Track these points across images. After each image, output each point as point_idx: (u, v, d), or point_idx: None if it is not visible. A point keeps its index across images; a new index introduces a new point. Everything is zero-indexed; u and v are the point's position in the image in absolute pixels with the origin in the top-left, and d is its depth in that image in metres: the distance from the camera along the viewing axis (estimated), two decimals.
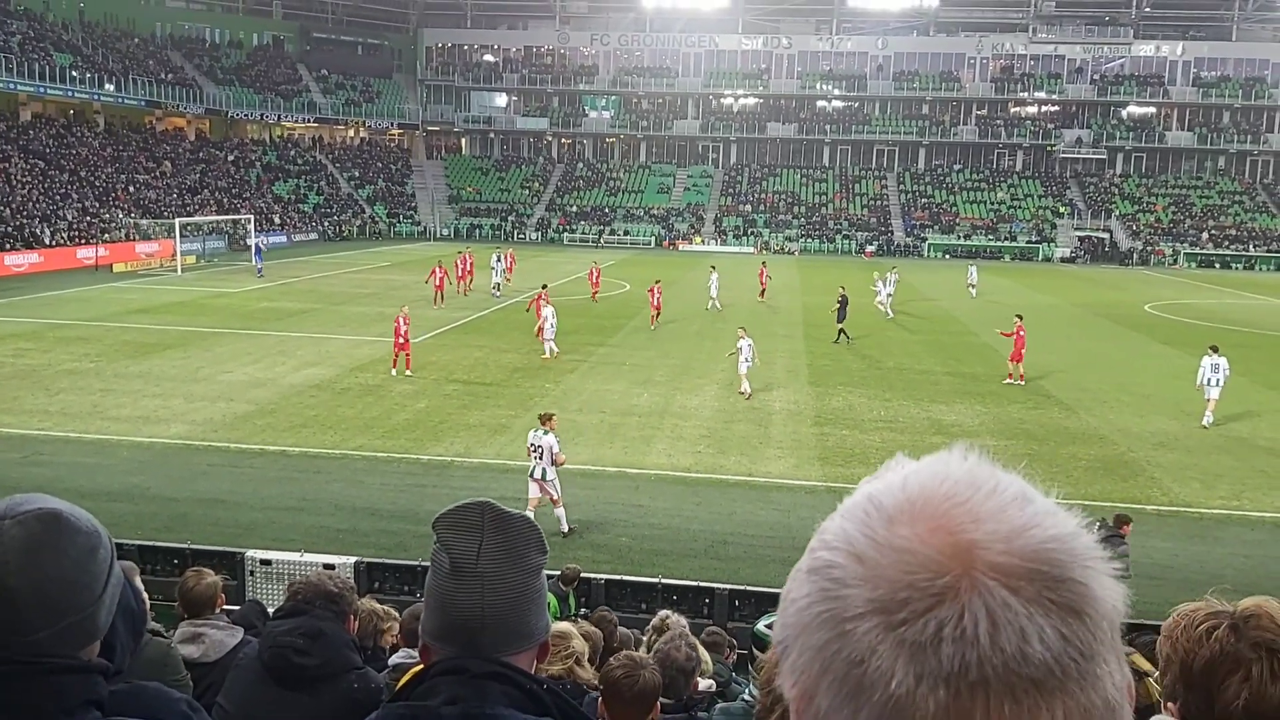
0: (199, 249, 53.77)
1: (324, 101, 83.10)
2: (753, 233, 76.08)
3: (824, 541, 0.77)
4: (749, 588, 11.09)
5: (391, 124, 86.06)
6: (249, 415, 19.56)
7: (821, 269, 57.60)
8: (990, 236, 74.59)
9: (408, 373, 23.66)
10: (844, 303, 30.64)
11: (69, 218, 50.39)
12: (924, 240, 74.03)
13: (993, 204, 78.32)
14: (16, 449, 16.98)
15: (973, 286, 44.64)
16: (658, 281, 33.51)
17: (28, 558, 1.45)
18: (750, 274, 44.45)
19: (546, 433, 13.94)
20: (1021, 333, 24.79)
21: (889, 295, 37.27)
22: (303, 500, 14.98)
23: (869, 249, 72.47)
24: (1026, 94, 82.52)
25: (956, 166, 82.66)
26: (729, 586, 11.10)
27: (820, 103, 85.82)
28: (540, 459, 13.95)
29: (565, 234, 76.14)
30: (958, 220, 76.37)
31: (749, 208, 79.81)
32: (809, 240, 74.96)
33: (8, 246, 44.60)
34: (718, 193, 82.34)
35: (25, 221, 47.22)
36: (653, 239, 75.51)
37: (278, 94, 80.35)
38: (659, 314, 32.38)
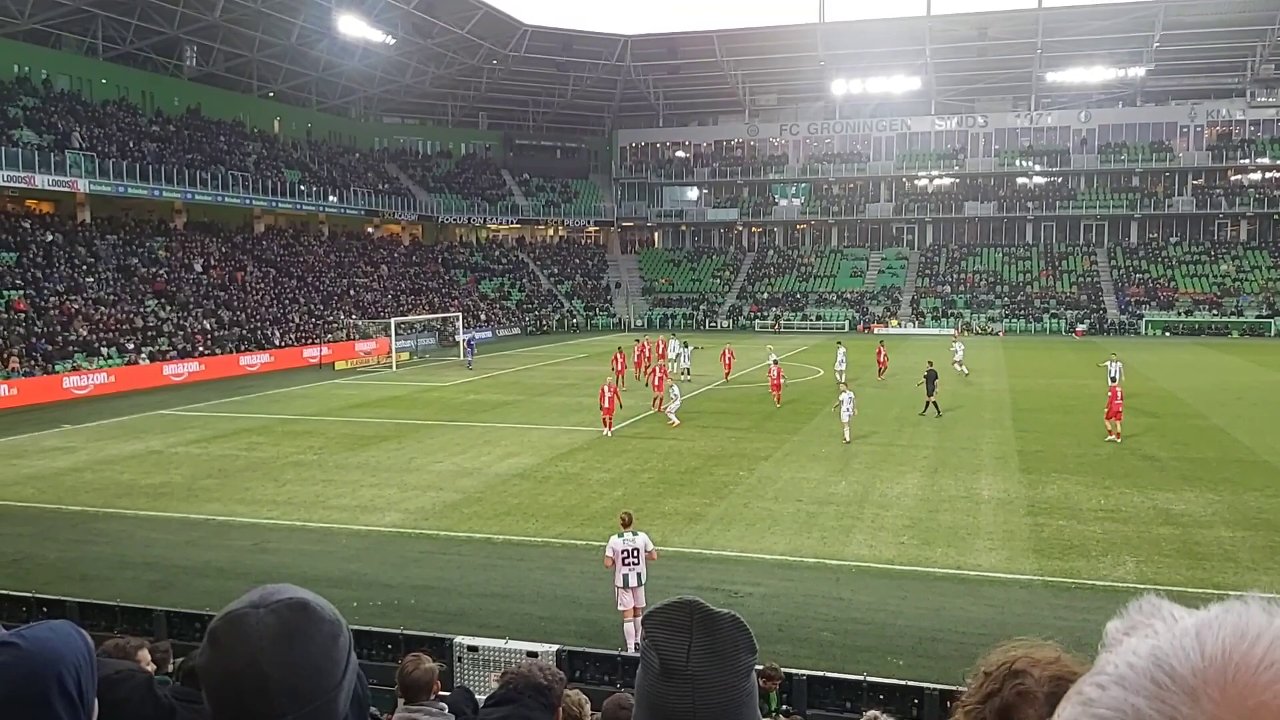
0: (412, 346, 57.00)
1: (526, 204, 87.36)
2: (952, 314, 74.08)
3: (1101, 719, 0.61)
4: (962, 688, 10.48)
5: (588, 222, 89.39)
6: (457, 504, 20.31)
7: (1028, 350, 55.25)
8: (1214, 312, 69.76)
9: (608, 433, 27.74)
10: (932, 375, 31.16)
11: (296, 320, 54.53)
12: (1140, 317, 70.04)
13: (1215, 277, 73.40)
14: (248, 537, 18.20)
15: (958, 364, 41.76)
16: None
17: (280, 644, 1.54)
18: (948, 355, 43.06)
19: (636, 533, 12.86)
20: (1113, 394, 26.89)
21: (1114, 379, 34.19)
22: (507, 587, 15.33)
23: (1080, 328, 69.12)
24: (1248, 160, 77.52)
25: (1173, 239, 78.22)
26: (940, 687, 10.54)
27: (1020, 179, 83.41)
28: (636, 563, 12.71)
29: (756, 320, 76.39)
30: (1177, 295, 71.92)
31: (947, 288, 77.89)
32: (1013, 320, 72.29)
33: (243, 348, 48.58)
34: (914, 274, 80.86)
35: (258, 325, 51.40)
36: (846, 323, 74.66)
37: (483, 198, 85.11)
38: (778, 392, 33.78)
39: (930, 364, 32.51)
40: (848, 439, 26.44)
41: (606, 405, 28.07)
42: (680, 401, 29.47)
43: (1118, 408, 26.71)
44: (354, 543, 17.79)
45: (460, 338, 51.61)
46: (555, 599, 14.82)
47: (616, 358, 39.41)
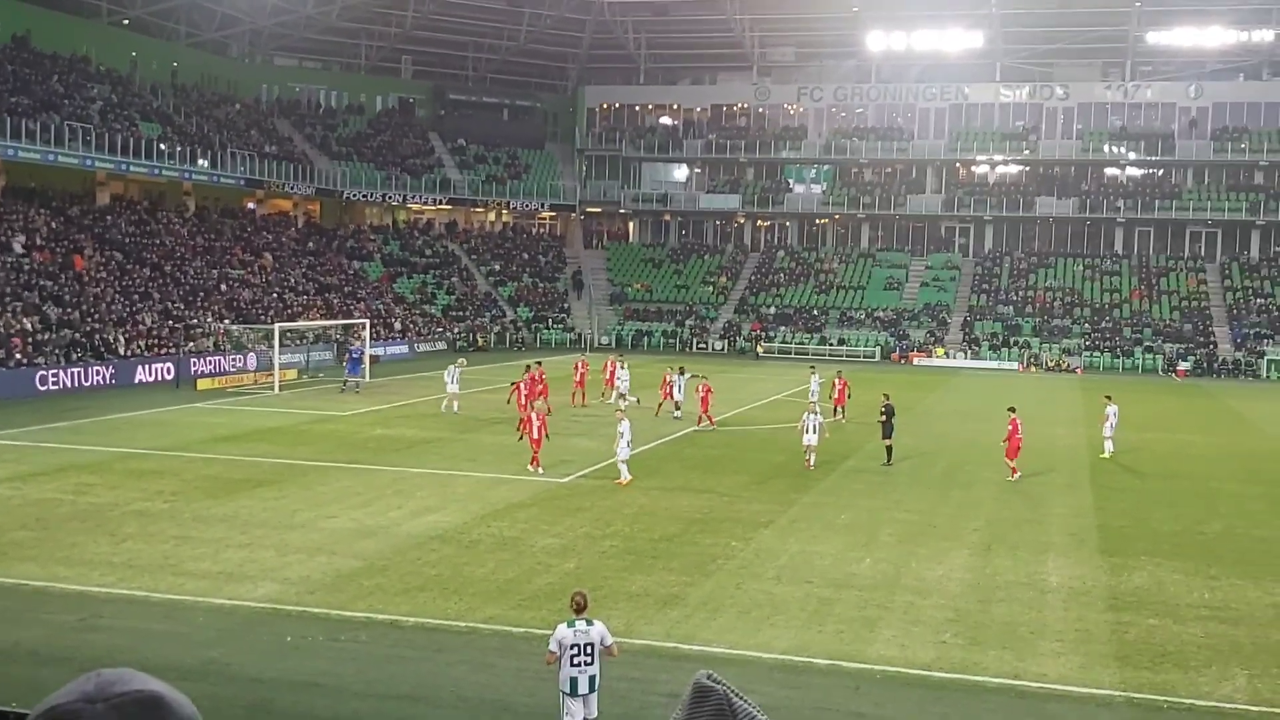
0: (301, 361, 56.73)
1: (460, 178, 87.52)
2: (1016, 343, 74.66)
3: None
4: None
5: (542, 205, 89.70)
6: (354, 574, 20.17)
7: (1114, 394, 55.56)
8: None
9: (536, 470, 29.64)
10: (889, 412, 32.60)
11: (148, 322, 54.19)
12: (1261, 355, 70.89)
13: None
14: (72, 609, 17.96)
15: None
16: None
17: None
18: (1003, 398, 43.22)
19: (591, 622, 12.59)
20: (1013, 427, 30.34)
21: (1112, 429, 35.33)
22: (418, 687, 15.22)
23: (1182, 366, 69.83)
24: None
25: None
26: None
27: (1110, 170, 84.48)
28: (589, 663, 12.49)
29: (760, 344, 76.66)
30: None
31: (1010, 310, 78.53)
32: (1096, 354, 72.94)
33: (75, 357, 48.16)
34: (967, 289, 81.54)
35: (96, 326, 51.02)
36: (877, 349, 75.08)
37: (404, 169, 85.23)
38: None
39: (886, 398, 33.45)
40: (809, 463, 31.19)
41: (535, 435, 29.89)
42: (630, 449, 28.95)
43: (1017, 443, 30.32)
44: (214, 621, 17.60)
45: (357, 351, 50.87)
46: (482, 704, 14.73)
47: (578, 366, 42.64)
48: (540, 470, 29.64)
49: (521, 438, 31.38)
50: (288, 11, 79.91)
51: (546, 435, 30.28)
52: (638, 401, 41.78)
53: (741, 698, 2.09)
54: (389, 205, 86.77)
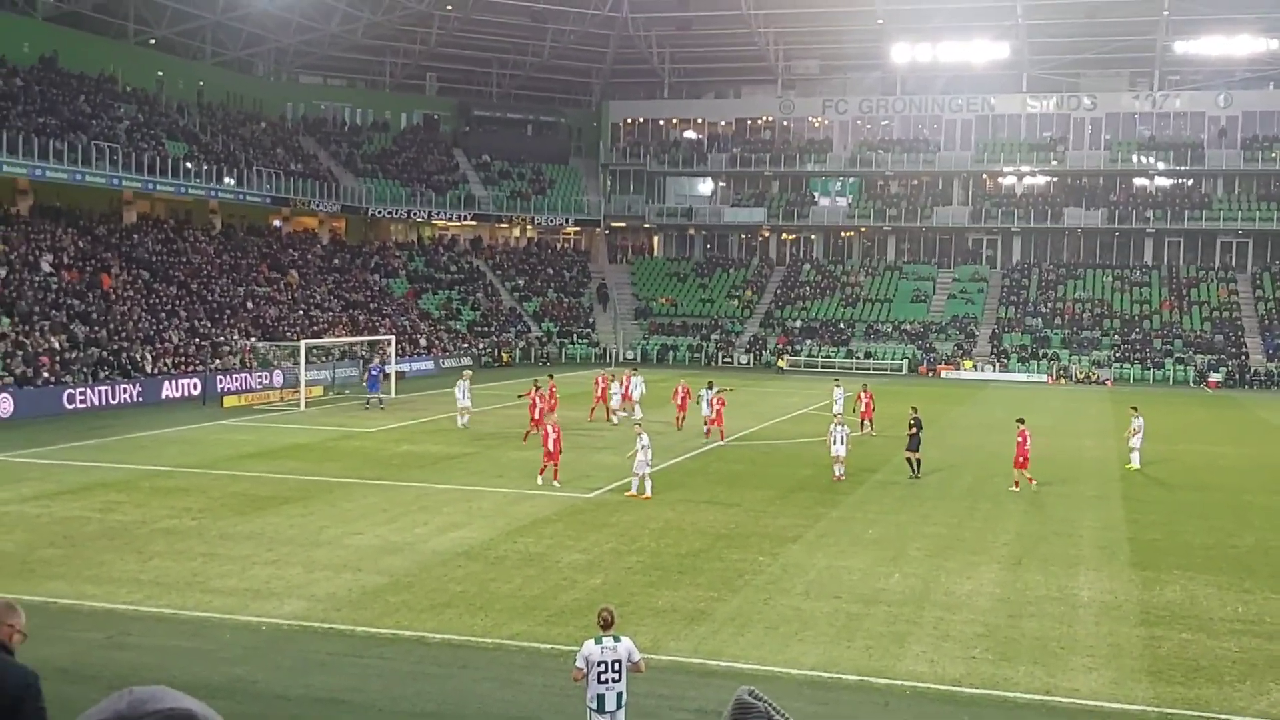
0: (327, 378, 56.94)
1: (484, 194, 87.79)
2: (1045, 355, 74.35)
3: None
4: None
5: (566, 220, 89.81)
6: (380, 590, 20.21)
7: (1145, 406, 55.26)
8: None
9: (555, 484, 29.71)
10: (917, 425, 32.60)
11: (175, 340, 54.50)
12: None
13: None
14: (100, 627, 18.04)
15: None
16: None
17: None
18: (1038, 411, 43.21)
19: (619, 638, 12.51)
20: (1022, 439, 30.68)
21: (1139, 438, 35.18)
22: (444, 704, 15.22)
23: (1213, 378, 69.38)
24: None
25: None
26: None
27: (1139, 180, 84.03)
28: (616, 680, 12.44)
29: (785, 356, 76.60)
30: None
31: (1039, 321, 78.21)
32: (1125, 365, 72.57)
33: (102, 375, 48.46)
34: (995, 301, 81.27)
35: (124, 344, 51.34)
36: (904, 363, 74.85)
37: (429, 186, 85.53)
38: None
39: (914, 411, 33.44)
40: (838, 475, 31.57)
41: (551, 447, 30.12)
42: (649, 465, 29.14)
43: (1026, 452, 30.65)
44: (240, 638, 17.65)
45: (389, 368, 51.03)
46: None
47: (599, 381, 44.17)
48: (542, 480, 30.04)
49: (529, 430, 31.85)
50: (312, 30, 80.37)
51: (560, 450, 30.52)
52: (629, 415, 41.85)
53: (782, 715, 2.11)
54: (414, 221, 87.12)
